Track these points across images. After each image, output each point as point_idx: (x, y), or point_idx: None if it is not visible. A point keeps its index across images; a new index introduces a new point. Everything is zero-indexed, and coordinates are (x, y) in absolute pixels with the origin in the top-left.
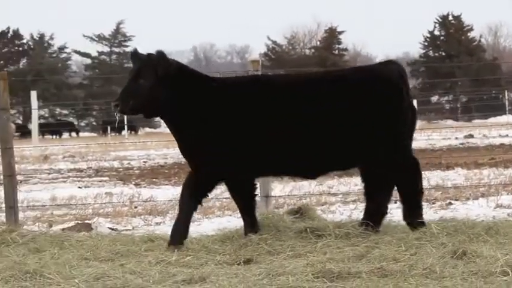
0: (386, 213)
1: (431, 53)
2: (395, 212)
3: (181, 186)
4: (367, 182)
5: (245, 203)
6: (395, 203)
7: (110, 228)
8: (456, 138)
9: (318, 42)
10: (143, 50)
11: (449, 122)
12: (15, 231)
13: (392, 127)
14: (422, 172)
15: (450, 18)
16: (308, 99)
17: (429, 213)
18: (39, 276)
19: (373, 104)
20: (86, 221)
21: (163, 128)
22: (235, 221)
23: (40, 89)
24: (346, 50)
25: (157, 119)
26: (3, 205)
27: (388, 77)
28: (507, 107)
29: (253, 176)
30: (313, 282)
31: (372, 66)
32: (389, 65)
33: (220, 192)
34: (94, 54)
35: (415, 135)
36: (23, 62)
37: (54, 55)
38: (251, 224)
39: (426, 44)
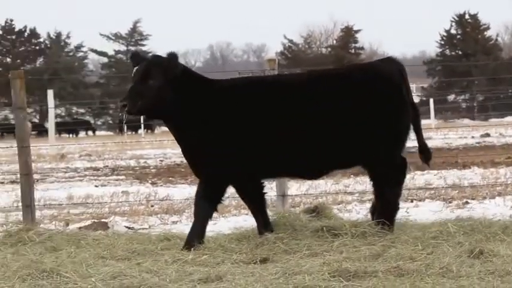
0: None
1: (447, 51)
2: (412, 211)
3: (195, 196)
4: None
5: (254, 203)
6: (412, 201)
7: (127, 227)
8: (473, 137)
9: (335, 41)
10: (160, 49)
11: (466, 121)
12: (32, 230)
13: (393, 126)
14: (439, 171)
15: (467, 17)
16: (309, 99)
17: (446, 212)
18: (56, 274)
19: (374, 102)
20: (103, 220)
21: None
22: (251, 220)
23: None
24: (362, 48)
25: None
26: (20, 204)
27: (388, 75)
28: None
29: (258, 177)
30: (329, 282)
31: (372, 64)
32: (389, 63)
33: None
34: (111, 53)
35: (431, 133)
36: (40, 60)
37: (71, 54)
38: (264, 223)
39: (443, 42)
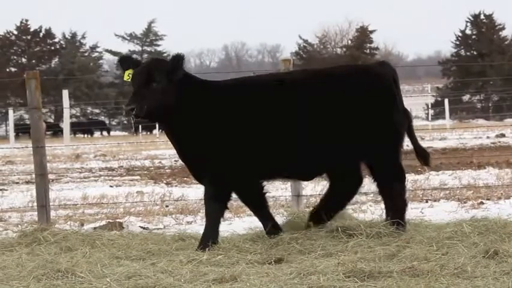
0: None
1: (462, 52)
2: (427, 211)
3: (203, 198)
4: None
5: (255, 205)
6: (427, 202)
7: (141, 227)
8: (488, 137)
9: (350, 41)
10: (174, 50)
11: (481, 121)
12: (47, 230)
13: (386, 129)
14: (454, 171)
15: (482, 17)
16: (305, 99)
17: (460, 212)
18: (71, 274)
19: (371, 102)
20: (118, 220)
21: None
22: None
23: (72, 88)
24: (377, 49)
25: None
26: (35, 204)
27: (382, 79)
28: None
29: (256, 178)
30: (344, 282)
31: (368, 66)
32: (383, 67)
33: None
34: (126, 53)
35: (446, 134)
36: (55, 61)
37: (86, 54)
38: (271, 224)
39: (458, 43)
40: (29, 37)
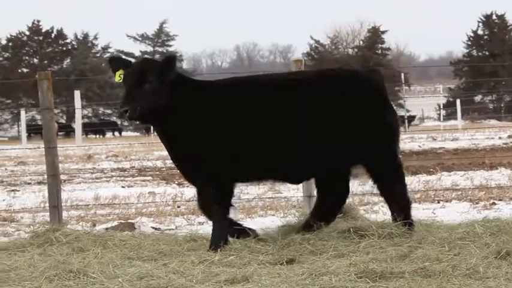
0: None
1: (474, 52)
2: (439, 211)
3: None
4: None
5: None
6: (439, 202)
7: (153, 228)
8: (500, 138)
9: (361, 42)
10: (186, 50)
11: (493, 121)
12: (59, 231)
13: (379, 129)
14: (466, 172)
15: (494, 17)
16: (296, 100)
17: (472, 213)
18: (83, 275)
19: (362, 105)
20: (129, 221)
21: None
22: (277, 221)
23: (83, 89)
24: (389, 49)
25: None
26: (47, 204)
27: (370, 83)
28: None
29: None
30: (356, 282)
31: (358, 70)
32: (371, 73)
33: (263, 192)
34: (137, 54)
35: (458, 134)
36: (67, 61)
37: (98, 55)
38: (239, 230)
39: (470, 43)
40: (41, 38)
